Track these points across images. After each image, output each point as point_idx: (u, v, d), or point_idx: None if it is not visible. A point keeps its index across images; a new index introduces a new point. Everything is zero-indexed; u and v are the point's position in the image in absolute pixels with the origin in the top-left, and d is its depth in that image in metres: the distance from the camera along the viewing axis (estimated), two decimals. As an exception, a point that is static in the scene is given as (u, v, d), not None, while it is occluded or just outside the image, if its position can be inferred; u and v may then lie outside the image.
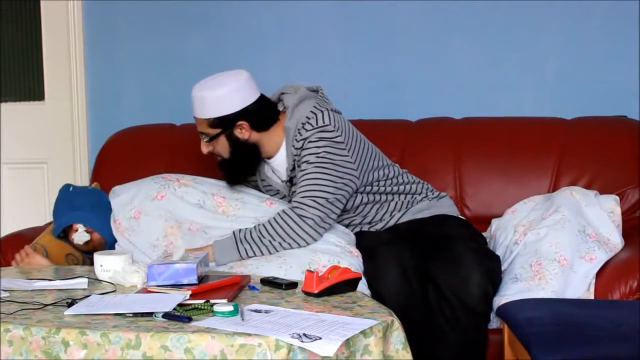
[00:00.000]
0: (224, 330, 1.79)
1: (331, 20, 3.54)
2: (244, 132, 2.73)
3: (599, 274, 2.57)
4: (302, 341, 1.75)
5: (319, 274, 2.14)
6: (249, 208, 2.78)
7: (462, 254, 2.57)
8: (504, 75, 3.44)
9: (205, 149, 2.77)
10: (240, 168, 2.80)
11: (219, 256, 2.60)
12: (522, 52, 3.41)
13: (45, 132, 3.92)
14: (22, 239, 2.91)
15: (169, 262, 2.24)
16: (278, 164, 2.82)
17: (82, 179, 3.82)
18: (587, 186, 2.98)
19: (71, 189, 2.95)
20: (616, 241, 2.68)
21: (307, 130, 2.68)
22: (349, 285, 2.19)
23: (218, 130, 2.72)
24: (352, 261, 2.57)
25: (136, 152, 3.39)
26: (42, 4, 3.87)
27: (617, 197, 2.85)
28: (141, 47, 3.77)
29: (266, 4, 3.61)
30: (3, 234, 3.22)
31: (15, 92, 3.98)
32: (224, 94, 2.68)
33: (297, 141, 2.69)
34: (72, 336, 1.82)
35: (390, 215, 2.85)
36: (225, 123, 2.70)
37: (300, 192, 2.66)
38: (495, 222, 2.92)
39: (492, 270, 2.59)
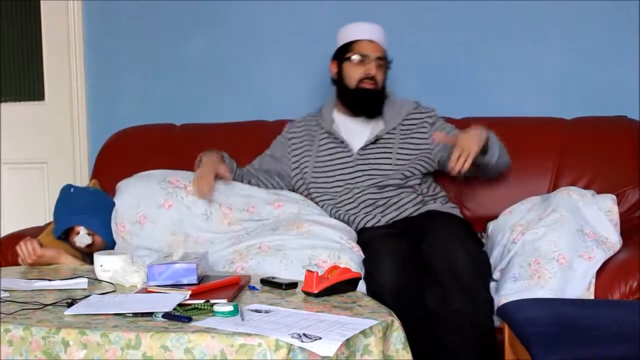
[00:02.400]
0: (224, 330, 1.79)
1: (331, 20, 3.54)
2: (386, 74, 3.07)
3: (599, 273, 2.57)
4: (302, 341, 1.75)
5: (319, 274, 2.14)
6: (257, 213, 2.80)
7: (445, 237, 2.57)
8: (504, 75, 3.43)
9: (377, 71, 3.00)
10: (383, 98, 3.04)
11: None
12: (522, 52, 3.41)
13: (45, 132, 3.92)
14: (22, 239, 2.90)
15: (169, 262, 2.24)
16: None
17: (82, 179, 3.82)
18: (587, 186, 2.98)
19: (72, 189, 2.94)
20: (614, 240, 2.68)
21: (427, 109, 3.08)
22: (349, 285, 2.19)
23: (388, 62, 3.06)
24: (353, 256, 2.57)
25: (136, 152, 3.38)
26: (42, 4, 3.87)
27: (614, 196, 2.85)
28: (141, 47, 3.77)
29: (266, 4, 3.61)
30: (3, 234, 3.21)
31: (15, 92, 3.98)
32: None
33: (419, 112, 3.06)
34: (72, 336, 1.82)
35: (404, 207, 2.89)
36: (388, 59, 3.06)
37: None
38: (492, 224, 2.92)
39: (476, 251, 2.59)
